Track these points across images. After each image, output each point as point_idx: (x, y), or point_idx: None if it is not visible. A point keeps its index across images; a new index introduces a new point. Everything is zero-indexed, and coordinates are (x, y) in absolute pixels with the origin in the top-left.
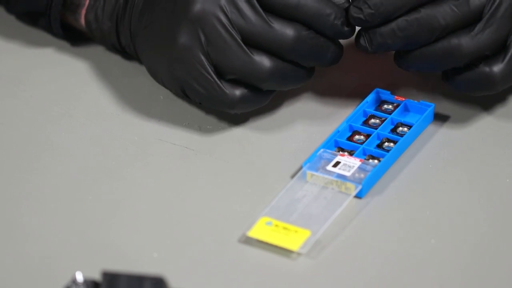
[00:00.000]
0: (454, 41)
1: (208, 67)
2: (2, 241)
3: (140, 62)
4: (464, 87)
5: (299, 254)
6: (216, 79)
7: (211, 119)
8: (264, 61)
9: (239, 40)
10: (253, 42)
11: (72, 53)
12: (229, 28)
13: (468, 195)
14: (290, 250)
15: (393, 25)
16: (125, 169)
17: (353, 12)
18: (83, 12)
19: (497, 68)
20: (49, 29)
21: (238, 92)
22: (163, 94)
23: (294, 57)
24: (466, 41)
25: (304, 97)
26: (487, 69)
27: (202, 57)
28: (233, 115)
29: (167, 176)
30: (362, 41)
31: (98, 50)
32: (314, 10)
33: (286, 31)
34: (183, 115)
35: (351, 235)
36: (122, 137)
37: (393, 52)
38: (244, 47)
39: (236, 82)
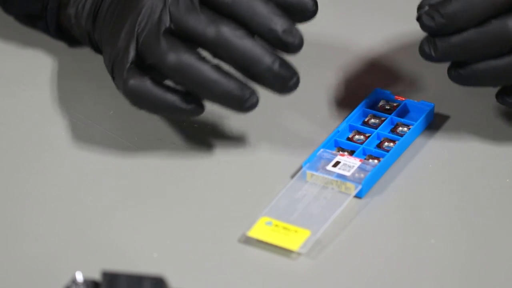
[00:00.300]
0: None
1: (131, 49)
2: (2, 241)
3: None
4: None
5: (299, 254)
6: (129, 60)
7: (211, 119)
8: (181, 53)
9: (163, 28)
10: (183, 34)
11: (72, 53)
12: (161, 15)
13: (468, 195)
14: (290, 250)
15: (464, 35)
16: (125, 169)
17: (425, 20)
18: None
19: None
20: (46, 31)
21: (136, 79)
22: None
23: (221, 56)
24: None
25: (304, 97)
26: None
27: (132, 40)
28: (234, 115)
29: (167, 176)
30: (426, 47)
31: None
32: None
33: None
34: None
35: (351, 235)
36: (122, 137)
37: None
38: (162, 35)
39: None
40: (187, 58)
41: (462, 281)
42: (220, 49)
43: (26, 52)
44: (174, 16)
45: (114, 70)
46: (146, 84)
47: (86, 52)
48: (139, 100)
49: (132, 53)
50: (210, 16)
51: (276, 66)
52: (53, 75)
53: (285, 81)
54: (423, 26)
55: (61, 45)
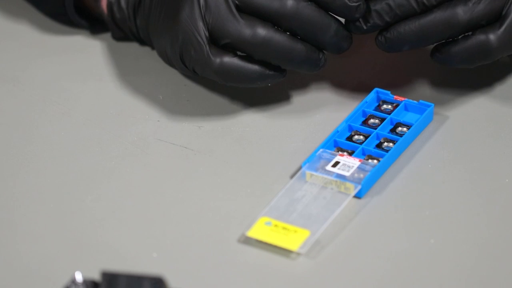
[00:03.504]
0: (450, 11)
1: (202, 31)
2: (2, 241)
3: (152, 46)
4: (459, 58)
5: (298, 254)
6: (205, 42)
7: (211, 119)
8: (257, 28)
9: (232, 5)
10: (250, 10)
11: (72, 53)
12: None
13: (467, 195)
14: (289, 250)
15: (389, 1)
16: (125, 169)
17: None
18: None
19: (493, 35)
20: (61, 11)
21: (224, 58)
22: (163, 94)
23: (291, 27)
24: (462, 10)
25: (304, 97)
26: (483, 36)
27: (199, 22)
28: (234, 115)
29: (167, 176)
30: (358, 23)
31: (98, 50)
32: None
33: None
34: (182, 115)
35: (351, 235)
36: (122, 137)
37: (390, 52)
38: (235, 12)
39: (228, 50)
40: (263, 31)
41: (462, 281)
42: (286, 20)
43: (26, 51)
44: None
45: (184, 55)
46: (234, 60)
47: (86, 52)
48: (231, 76)
49: (205, 35)
50: None
51: (340, 30)
52: (53, 75)
53: (347, 41)
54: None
55: (61, 45)
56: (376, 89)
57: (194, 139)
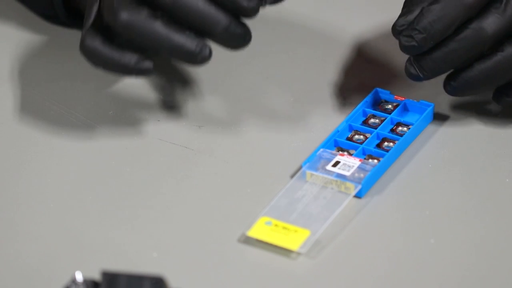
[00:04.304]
0: (508, 50)
1: (92, 13)
2: (2, 241)
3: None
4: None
5: (298, 253)
6: (88, 24)
7: (211, 119)
8: (123, 10)
9: None
10: None
11: (72, 53)
12: None
13: (467, 195)
14: (289, 249)
15: (444, 48)
16: (125, 169)
17: (404, 41)
18: None
19: None
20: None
21: (88, 40)
22: (163, 94)
23: (172, 16)
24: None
25: (304, 97)
26: None
27: (94, 4)
28: (234, 115)
29: (167, 176)
30: (412, 70)
31: None
32: None
33: None
34: (183, 115)
35: (351, 234)
36: (122, 137)
37: (393, 52)
38: None
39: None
40: (136, 15)
41: (462, 281)
42: (177, 12)
43: (26, 51)
44: None
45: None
46: (96, 43)
47: None
48: (92, 59)
49: (93, 15)
50: None
51: (231, 27)
52: (53, 75)
53: (239, 40)
54: (405, 48)
55: (61, 44)
56: (376, 89)
57: (194, 139)
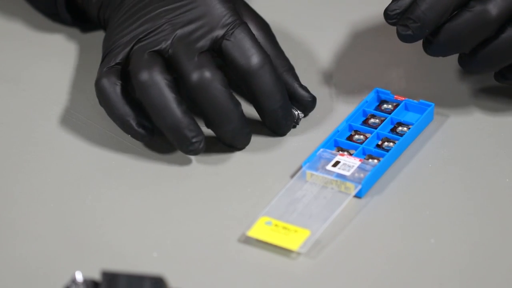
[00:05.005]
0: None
1: (121, 53)
2: (2, 241)
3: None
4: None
5: (298, 253)
6: (113, 61)
7: None
8: (145, 69)
9: (155, 48)
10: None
11: (72, 53)
12: (165, 37)
13: (468, 194)
14: (289, 249)
15: (444, 34)
16: (125, 169)
17: (401, 30)
18: None
19: None
20: (54, 8)
21: (106, 80)
22: None
23: (191, 96)
24: None
25: None
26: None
27: (128, 45)
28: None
29: (167, 176)
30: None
31: (98, 50)
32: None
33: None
34: None
35: (351, 234)
36: (122, 137)
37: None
38: (147, 51)
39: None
40: (155, 78)
41: (462, 281)
42: (195, 93)
43: (26, 51)
44: (174, 45)
45: (104, 59)
46: (113, 88)
47: (86, 52)
48: (101, 99)
49: (122, 56)
50: (203, 62)
51: (237, 131)
52: (53, 75)
53: (237, 142)
54: (402, 37)
55: (61, 44)
56: (376, 88)
57: None
